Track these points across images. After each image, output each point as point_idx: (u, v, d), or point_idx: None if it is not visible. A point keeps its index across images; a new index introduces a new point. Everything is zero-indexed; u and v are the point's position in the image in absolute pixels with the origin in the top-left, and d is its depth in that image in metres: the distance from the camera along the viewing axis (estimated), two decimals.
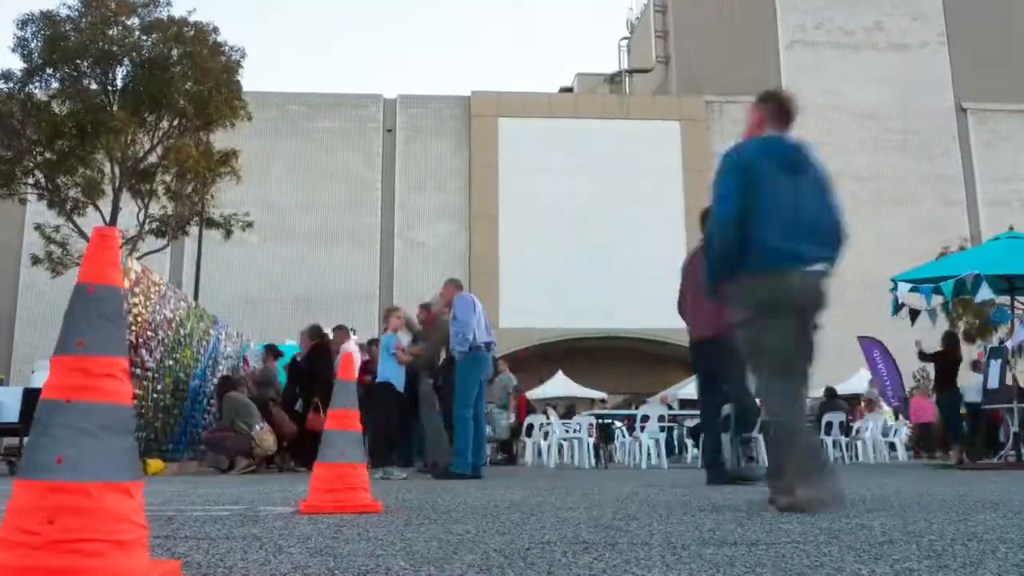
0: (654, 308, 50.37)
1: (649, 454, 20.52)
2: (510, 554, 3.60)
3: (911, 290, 17.88)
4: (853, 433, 25.00)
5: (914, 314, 19.23)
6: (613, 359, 51.76)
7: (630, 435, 22.22)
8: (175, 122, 29.13)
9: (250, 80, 46.71)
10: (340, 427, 6.28)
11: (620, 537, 4.30)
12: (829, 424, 22.89)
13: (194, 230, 32.77)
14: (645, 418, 20.91)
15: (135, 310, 15.35)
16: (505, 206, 53.34)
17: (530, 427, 23.63)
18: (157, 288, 16.68)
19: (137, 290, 15.52)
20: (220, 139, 31.05)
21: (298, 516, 5.65)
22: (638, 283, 50.22)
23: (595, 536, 4.36)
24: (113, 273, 2.75)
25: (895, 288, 18.05)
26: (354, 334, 27.26)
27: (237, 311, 44.04)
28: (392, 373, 14.67)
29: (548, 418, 23.93)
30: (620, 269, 51.24)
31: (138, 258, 27.47)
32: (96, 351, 2.65)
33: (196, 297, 32.93)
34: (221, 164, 29.25)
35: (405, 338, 15.55)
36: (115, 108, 27.61)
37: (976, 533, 4.39)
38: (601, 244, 51.79)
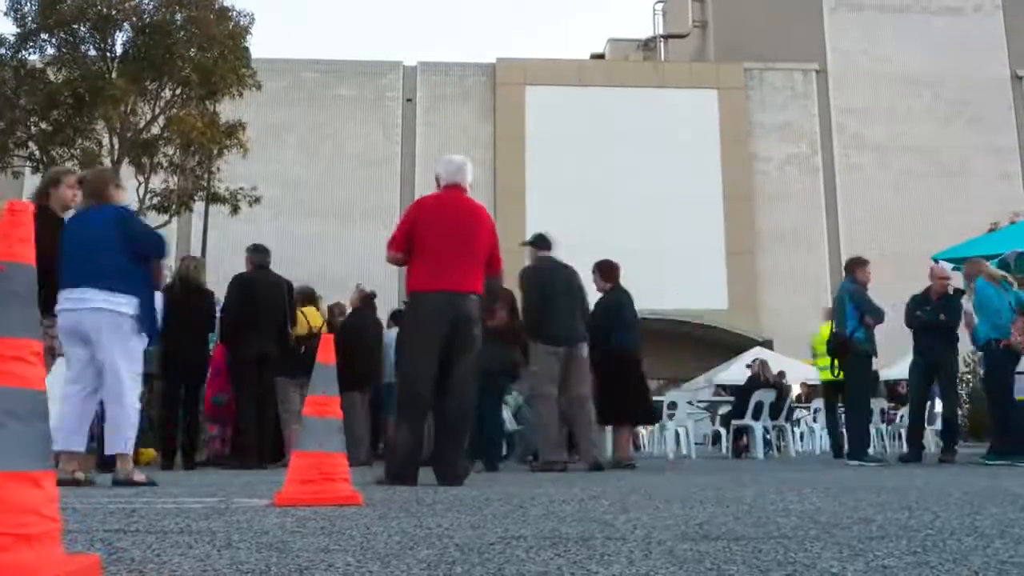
0: (692, 287, 50.40)
1: (678, 443, 20.53)
2: (469, 549, 3.61)
3: (953, 269, 17.74)
4: (898, 421, 24.76)
5: (962, 294, 19.08)
6: (647, 342, 51.28)
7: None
8: (178, 91, 29.07)
9: (260, 46, 46.54)
10: (319, 415, 6.29)
11: (599, 531, 4.30)
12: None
13: (200, 206, 32.80)
14: (673, 405, 20.88)
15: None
16: (532, 180, 53.09)
17: None
18: None
19: None
20: (228, 109, 30.99)
21: (270, 509, 5.66)
22: (675, 260, 50.08)
23: (573, 530, 4.35)
24: (24, 250, 2.74)
25: None
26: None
27: None
28: None
29: None
30: (655, 246, 50.81)
31: None
32: (4, 333, 2.64)
33: None
34: (227, 136, 29.15)
35: None
36: (114, 76, 27.57)
37: (979, 527, 4.38)
38: (634, 220, 51.34)
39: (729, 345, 46.59)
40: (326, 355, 6.54)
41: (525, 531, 4.31)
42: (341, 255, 51.45)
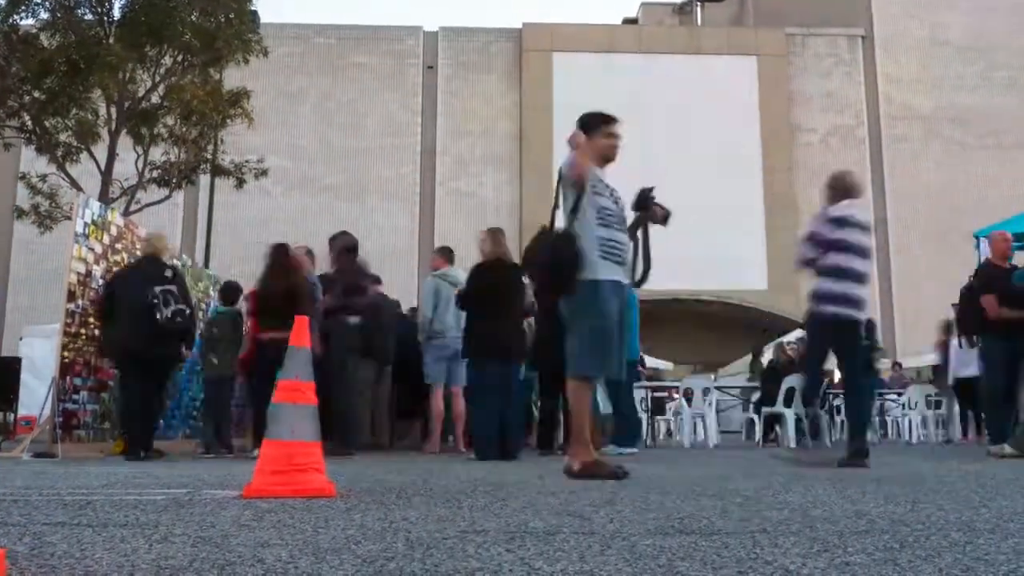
0: (729, 266, 50.16)
1: (704, 431, 20.52)
2: (418, 545, 3.62)
3: None
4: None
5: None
6: (683, 324, 51.03)
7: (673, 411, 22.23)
8: (179, 58, 28.85)
9: (270, 10, 46.48)
10: (290, 400, 6.25)
11: (569, 525, 4.31)
12: None
13: (207, 180, 32.69)
14: (690, 391, 20.86)
15: (116, 269, 15.35)
16: (560, 152, 52.20)
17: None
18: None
19: (119, 247, 15.51)
20: (236, 77, 30.79)
21: (234, 501, 5.66)
22: (712, 238, 49.81)
23: (544, 524, 4.36)
24: None
25: (977, 245, 17.87)
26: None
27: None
28: None
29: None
30: (691, 223, 50.53)
31: (138, 210, 27.51)
32: None
33: (207, 252, 32.94)
34: (231, 105, 28.91)
35: None
36: (111, 42, 27.33)
37: (975, 522, 4.39)
38: (667, 194, 50.74)
39: (769, 328, 46.39)
40: (300, 339, 6.51)
41: (492, 524, 4.32)
42: (358, 230, 51.06)
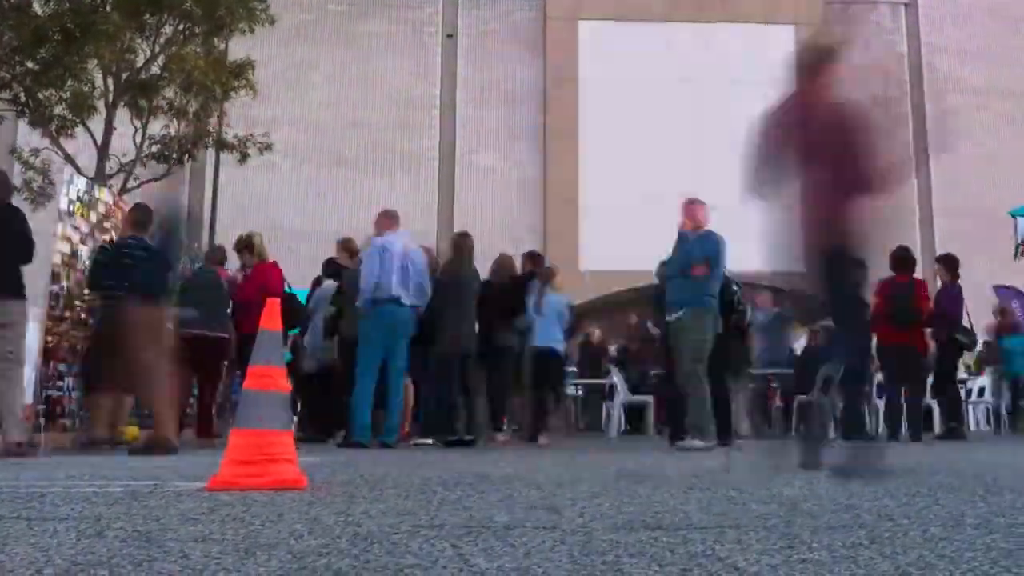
0: (764, 246, 49.91)
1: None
2: (362, 539, 3.63)
3: None
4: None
5: None
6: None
7: None
8: (180, 27, 28.68)
9: None
10: (260, 387, 6.22)
11: (535, 520, 4.33)
12: None
13: (211, 155, 32.61)
14: None
15: None
16: (586, 126, 52.28)
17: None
18: None
19: (108, 225, 15.49)
20: (243, 47, 30.67)
21: (195, 494, 5.67)
22: (744, 217, 49.57)
23: (509, 518, 4.37)
24: None
25: (1015, 224, 17.74)
26: None
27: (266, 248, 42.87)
28: None
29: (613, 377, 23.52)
30: (724, 201, 50.20)
31: (137, 186, 27.48)
32: None
33: (212, 230, 32.88)
34: (234, 76, 28.72)
35: None
36: (108, 9, 27.17)
37: (962, 516, 4.40)
38: (701, 171, 50.50)
39: (809, 310, 46.07)
40: (271, 320, 6.48)
41: (454, 519, 4.34)
42: (372, 205, 50.97)
